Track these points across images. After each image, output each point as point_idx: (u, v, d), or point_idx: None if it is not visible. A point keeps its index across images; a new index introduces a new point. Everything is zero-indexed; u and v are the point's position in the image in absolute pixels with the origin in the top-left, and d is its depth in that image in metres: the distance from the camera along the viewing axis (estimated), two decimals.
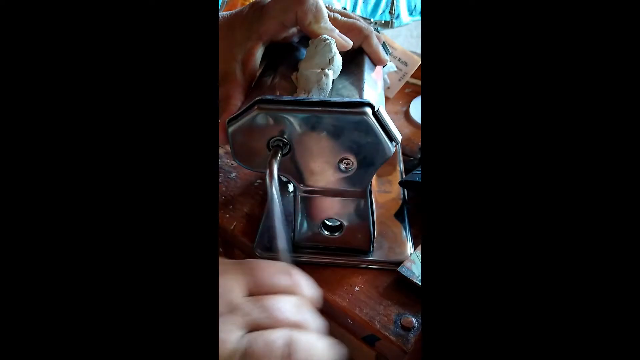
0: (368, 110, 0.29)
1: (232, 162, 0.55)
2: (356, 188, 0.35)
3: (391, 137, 0.31)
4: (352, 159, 0.32)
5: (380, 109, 0.30)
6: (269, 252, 0.42)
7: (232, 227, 0.45)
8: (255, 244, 0.43)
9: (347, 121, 0.30)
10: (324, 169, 0.33)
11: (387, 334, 0.35)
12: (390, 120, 0.31)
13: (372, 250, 0.41)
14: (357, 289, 0.39)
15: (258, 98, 0.31)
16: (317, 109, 0.30)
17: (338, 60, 0.34)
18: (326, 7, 0.37)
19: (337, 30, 0.36)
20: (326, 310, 0.42)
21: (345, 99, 0.31)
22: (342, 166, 0.33)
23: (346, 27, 0.37)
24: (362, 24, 0.38)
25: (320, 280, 0.39)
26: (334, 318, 0.42)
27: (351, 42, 0.37)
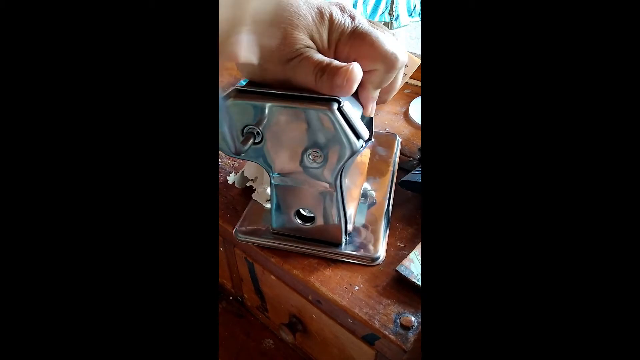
0: (334, 105, 0.30)
1: (233, 162, 0.56)
2: (325, 180, 0.36)
3: (357, 134, 0.32)
4: (320, 151, 0.33)
5: (346, 105, 0.30)
6: (249, 235, 0.44)
7: (232, 228, 0.45)
8: (236, 229, 0.45)
9: (314, 115, 0.31)
10: (293, 159, 0.35)
11: (387, 333, 0.35)
12: (358, 117, 0.32)
13: (346, 244, 0.41)
14: (356, 288, 0.39)
15: (235, 87, 0.32)
16: (287, 101, 0.31)
17: None
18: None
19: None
20: (326, 309, 0.42)
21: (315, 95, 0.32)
22: (311, 157, 0.34)
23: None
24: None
25: (319, 279, 0.40)
26: (334, 317, 0.42)
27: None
